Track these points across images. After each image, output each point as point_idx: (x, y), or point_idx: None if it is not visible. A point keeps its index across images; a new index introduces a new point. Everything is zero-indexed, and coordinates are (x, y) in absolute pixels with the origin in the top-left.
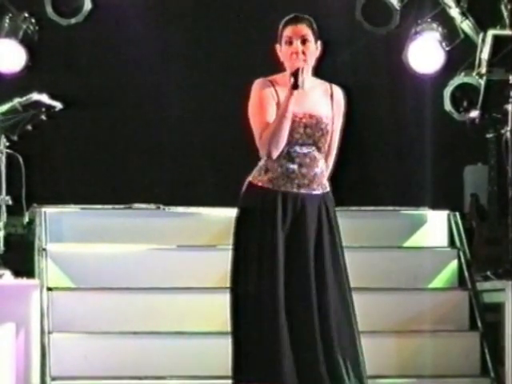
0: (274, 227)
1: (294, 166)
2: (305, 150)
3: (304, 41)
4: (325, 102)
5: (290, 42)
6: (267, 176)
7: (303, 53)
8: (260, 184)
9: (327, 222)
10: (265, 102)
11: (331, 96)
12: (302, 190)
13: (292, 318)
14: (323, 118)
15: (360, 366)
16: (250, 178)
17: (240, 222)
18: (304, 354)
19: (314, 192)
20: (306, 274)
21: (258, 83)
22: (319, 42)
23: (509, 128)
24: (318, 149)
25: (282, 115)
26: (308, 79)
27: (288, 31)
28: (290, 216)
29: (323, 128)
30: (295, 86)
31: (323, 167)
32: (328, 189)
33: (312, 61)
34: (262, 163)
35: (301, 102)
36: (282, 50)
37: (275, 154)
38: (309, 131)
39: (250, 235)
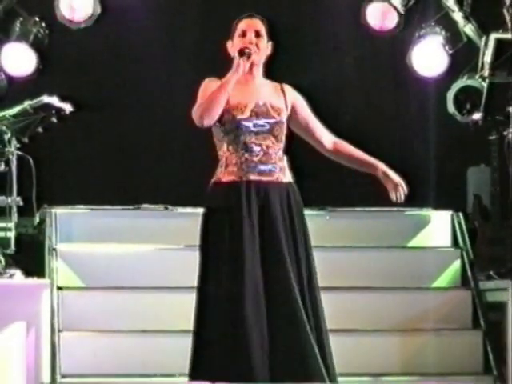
0: (240, 219)
1: (253, 156)
2: (261, 139)
3: (258, 34)
4: (276, 96)
5: (243, 35)
6: (228, 170)
7: (256, 45)
8: (223, 180)
9: (287, 214)
10: (209, 90)
11: (282, 91)
12: (264, 178)
13: (271, 317)
14: (274, 107)
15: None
16: (213, 179)
17: (207, 220)
18: (287, 350)
19: (276, 180)
20: (282, 265)
21: (206, 79)
22: (270, 43)
23: (511, 130)
24: (275, 137)
25: (221, 85)
26: (258, 76)
27: (242, 24)
28: (253, 204)
29: (275, 117)
30: (242, 53)
31: (281, 156)
32: (290, 178)
33: (263, 58)
34: (221, 160)
35: (252, 94)
36: (233, 44)
37: (206, 122)
38: (261, 120)
39: (217, 233)
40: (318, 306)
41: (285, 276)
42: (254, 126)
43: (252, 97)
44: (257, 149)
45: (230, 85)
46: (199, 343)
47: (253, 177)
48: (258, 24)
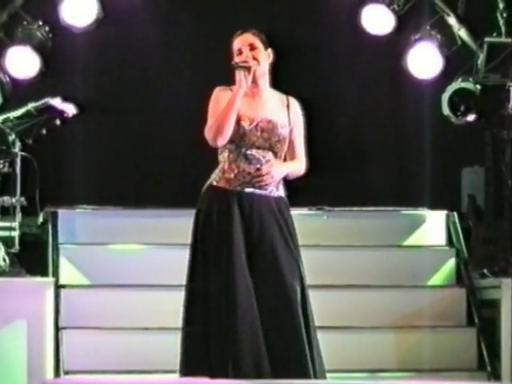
0: (230, 226)
1: (251, 168)
2: (261, 153)
3: (252, 47)
4: (281, 111)
5: (240, 53)
6: (224, 177)
7: (254, 58)
8: (218, 185)
9: (283, 223)
10: (221, 101)
11: (287, 106)
12: (257, 191)
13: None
14: (279, 124)
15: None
16: (208, 182)
17: (197, 221)
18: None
19: (269, 193)
20: (266, 274)
21: (217, 88)
22: (270, 50)
23: (505, 131)
24: (275, 154)
25: (229, 104)
26: (265, 87)
27: (236, 43)
28: (245, 215)
29: (279, 134)
30: (236, 65)
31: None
32: (282, 193)
33: (265, 67)
34: (220, 166)
35: (259, 108)
36: None
37: (220, 142)
38: (265, 135)
39: (207, 234)
40: (307, 303)
41: (275, 279)
42: (257, 139)
43: (259, 110)
44: (255, 161)
45: (236, 102)
46: (189, 339)
47: (246, 188)
48: (250, 38)
